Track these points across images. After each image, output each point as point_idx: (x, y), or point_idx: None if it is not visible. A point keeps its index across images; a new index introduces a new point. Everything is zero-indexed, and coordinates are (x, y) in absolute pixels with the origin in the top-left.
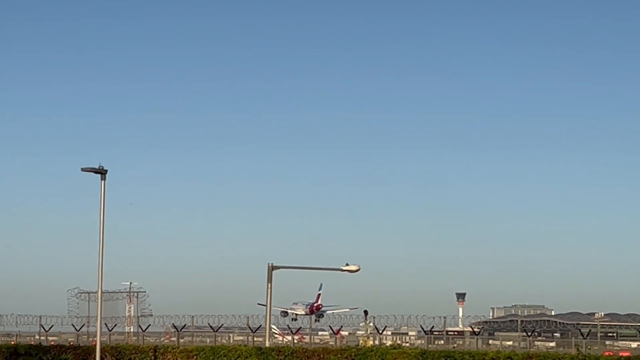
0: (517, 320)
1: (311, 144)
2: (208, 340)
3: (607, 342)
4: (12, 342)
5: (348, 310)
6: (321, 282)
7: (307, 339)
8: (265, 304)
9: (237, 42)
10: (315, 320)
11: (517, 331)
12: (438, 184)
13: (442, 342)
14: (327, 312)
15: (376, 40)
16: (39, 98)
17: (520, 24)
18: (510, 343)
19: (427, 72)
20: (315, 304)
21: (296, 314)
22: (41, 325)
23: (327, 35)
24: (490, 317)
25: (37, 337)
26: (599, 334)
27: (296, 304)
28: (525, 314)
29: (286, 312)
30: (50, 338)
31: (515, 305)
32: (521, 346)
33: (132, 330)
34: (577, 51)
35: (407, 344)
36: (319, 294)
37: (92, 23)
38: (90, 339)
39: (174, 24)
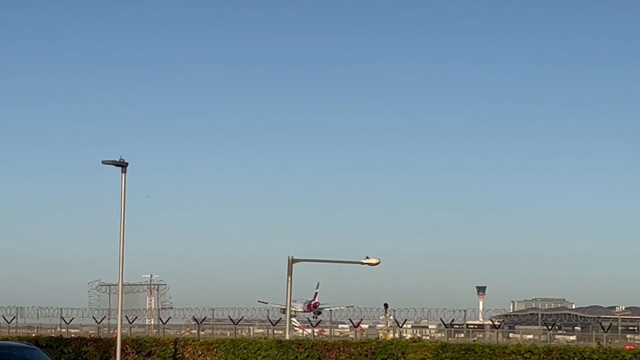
0: (537, 314)
1: (330, 136)
2: (228, 332)
3: (628, 336)
4: (33, 334)
5: (345, 307)
6: (318, 282)
7: (327, 331)
8: (265, 301)
9: (259, 30)
10: (314, 317)
11: (538, 325)
12: (458, 176)
13: (462, 335)
14: (325, 309)
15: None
16: (58, 89)
17: (531, 11)
18: (530, 336)
19: (436, 61)
20: (312, 302)
21: (295, 311)
22: (62, 318)
23: (343, 27)
24: (511, 311)
25: (58, 329)
26: (619, 328)
27: (295, 301)
28: (546, 307)
29: (285, 309)
30: (71, 330)
31: (535, 299)
32: (542, 340)
33: (152, 322)
34: (589, 39)
35: (427, 337)
36: (316, 292)
37: (112, 12)
38: (111, 332)
39: (190, 12)
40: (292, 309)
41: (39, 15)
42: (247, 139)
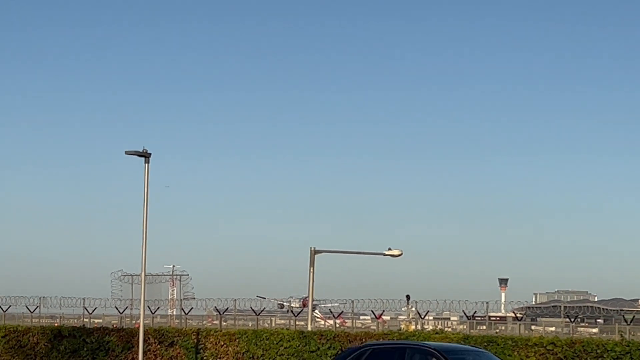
0: (560, 306)
1: (347, 126)
2: (250, 323)
3: None
4: (56, 324)
5: (337, 304)
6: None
7: (348, 323)
8: (264, 296)
9: (284, 18)
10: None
11: (560, 317)
12: (481, 167)
13: (484, 327)
14: (320, 305)
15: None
16: (84, 79)
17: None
18: (553, 329)
19: (448, 48)
20: (308, 298)
21: (291, 306)
22: (85, 308)
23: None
24: (533, 303)
25: (81, 319)
26: None
27: (292, 297)
28: (568, 299)
29: (282, 304)
30: (94, 320)
31: (558, 291)
32: (564, 332)
33: (175, 313)
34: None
35: (449, 329)
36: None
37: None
38: (134, 322)
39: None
40: (287, 303)
41: (55, 5)
42: (270, 130)
